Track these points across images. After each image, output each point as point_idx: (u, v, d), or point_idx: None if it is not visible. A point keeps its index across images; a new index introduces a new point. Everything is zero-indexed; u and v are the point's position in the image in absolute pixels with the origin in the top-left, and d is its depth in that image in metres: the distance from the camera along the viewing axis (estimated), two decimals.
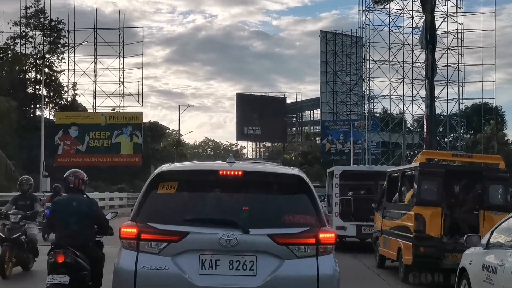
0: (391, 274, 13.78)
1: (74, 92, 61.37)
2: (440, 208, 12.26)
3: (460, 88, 63.59)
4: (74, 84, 60.87)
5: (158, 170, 6.17)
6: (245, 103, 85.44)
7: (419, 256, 12.07)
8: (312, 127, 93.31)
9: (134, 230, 5.67)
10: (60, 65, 60.59)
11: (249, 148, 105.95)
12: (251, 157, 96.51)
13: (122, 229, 5.77)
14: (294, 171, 6.30)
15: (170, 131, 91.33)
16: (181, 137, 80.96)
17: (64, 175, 8.31)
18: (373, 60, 64.29)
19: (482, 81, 64.41)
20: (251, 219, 5.76)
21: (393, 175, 15.15)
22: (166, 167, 6.27)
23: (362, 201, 19.29)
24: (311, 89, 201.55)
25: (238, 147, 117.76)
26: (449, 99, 63.54)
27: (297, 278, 5.59)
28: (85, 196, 8.13)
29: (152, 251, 5.61)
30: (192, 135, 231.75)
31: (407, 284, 12.38)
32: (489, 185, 12.66)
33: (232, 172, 5.92)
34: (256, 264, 5.59)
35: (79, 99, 62.11)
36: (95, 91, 61.08)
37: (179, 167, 6.50)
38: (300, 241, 5.65)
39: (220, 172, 5.94)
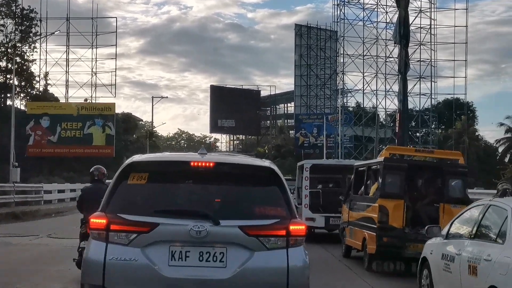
0: (356, 263, 14.30)
1: (46, 82, 60.65)
2: (403, 201, 12.88)
3: (433, 83, 64.24)
4: (46, 74, 60.13)
5: (128, 160, 6.12)
6: (219, 95, 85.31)
7: (382, 245, 12.68)
8: (286, 120, 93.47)
9: (104, 221, 5.63)
10: (32, 55, 59.79)
11: (222, 140, 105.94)
12: (225, 150, 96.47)
13: (91, 220, 5.72)
14: (266, 163, 6.30)
15: (143, 123, 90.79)
16: (154, 129, 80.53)
17: (91, 170, 11.81)
18: (347, 54, 64.61)
19: (454, 77, 65.03)
20: (222, 210, 5.75)
21: (359, 169, 15.82)
22: (136, 157, 6.22)
23: (330, 193, 19.79)
24: (285, 83, 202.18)
25: (212, 139, 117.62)
26: (422, 94, 64.15)
27: (267, 270, 5.60)
28: (105, 185, 10.30)
29: (121, 242, 5.57)
30: (165, 127, 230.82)
31: (371, 272, 12.91)
32: (449, 179, 13.24)
33: (203, 164, 5.90)
34: (226, 255, 5.58)
35: (51, 89, 61.43)
36: (67, 81, 60.43)
37: (150, 158, 6.46)
38: (270, 233, 5.66)
39: (191, 164, 5.92)
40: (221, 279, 5.51)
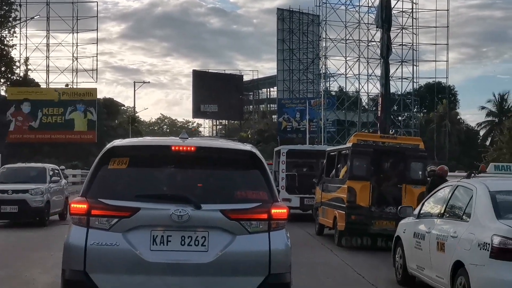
0: (328, 239, 15.69)
1: (27, 67, 59.97)
2: (369, 182, 14.36)
3: (415, 67, 64.39)
4: (27, 59, 59.48)
5: (109, 145, 6.08)
6: (201, 80, 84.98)
7: (351, 223, 14.11)
8: (268, 105, 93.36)
9: (84, 206, 5.60)
10: (12, 40, 59.02)
11: (205, 125, 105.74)
12: (208, 135, 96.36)
13: (72, 205, 5.68)
14: (247, 147, 6.29)
15: (125, 108, 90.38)
16: (136, 114, 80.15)
17: None
18: (329, 38, 64.55)
19: (435, 61, 65.35)
20: (203, 194, 5.74)
21: (331, 153, 17.16)
22: (117, 142, 6.18)
23: (305, 176, 21.01)
24: (268, 67, 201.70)
25: (195, 124, 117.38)
26: (404, 78, 64.31)
27: (249, 254, 5.60)
28: None
29: (102, 227, 5.55)
30: (148, 112, 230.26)
31: (340, 247, 14.26)
32: (410, 162, 14.60)
33: (184, 148, 5.88)
34: (208, 239, 5.57)
35: (32, 75, 60.80)
36: (48, 66, 59.88)
37: (131, 142, 6.43)
38: (252, 217, 5.66)
39: (173, 148, 5.90)
40: (203, 263, 5.51)
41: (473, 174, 9.67)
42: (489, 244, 7.09)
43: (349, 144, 15.42)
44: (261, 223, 5.67)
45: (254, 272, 5.59)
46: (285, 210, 5.82)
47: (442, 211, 8.92)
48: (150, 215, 5.55)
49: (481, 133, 74.91)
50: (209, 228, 5.58)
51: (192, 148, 5.89)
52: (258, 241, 5.63)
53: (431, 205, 9.64)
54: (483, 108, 73.91)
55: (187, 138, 6.14)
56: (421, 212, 9.69)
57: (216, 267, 5.51)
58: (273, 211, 5.70)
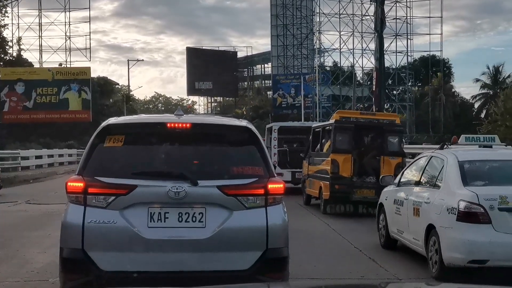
0: (315, 208, 17.13)
1: (19, 47, 59.70)
2: (351, 155, 15.71)
3: (409, 41, 64.19)
4: (19, 39, 59.19)
5: (104, 123, 6.07)
6: (195, 57, 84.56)
7: (334, 192, 15.46)
8: (263, 81, 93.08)
9: (81, 184, 5.60)
10: (4, 20, 58.66)
11: (200, 103, 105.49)
12: (203, 112, 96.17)
13: (69, 184, 5.68)
14: (243, 122, 6.28)
15: (119, 87, 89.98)
16: (131, 93, 79.82)
17: None
18: (323, 13, 64.18)
19: (430, 34, 65.23)
20: (200, 171, 5.74)
21: (316, 130, 18.43)
22: (112, 120, 6.17)
23: (296, 152, 21.89)
24: (262, 43, 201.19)
25: (189, 102, 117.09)
26: (398, 52, 64.12)
27: (246, 229, 5.62)
28: None
29: (99, 205, 5.56)
30: (142, 91, 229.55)
31: (326, 214, 15.64)
32: (387, 136, 15.85)
33: (180, 125, 5.87)
34: (206, 215, 5.59)
35: (25, 54, 60.51)
36: (41, 46, 59.58)
37: (126, 120, 6.43)
38: (249, 192, 5.67)
39: (168, 125, 5.89)
40: (200, 239, 5.53)
41: (446, 145, 10.19)
42: (456, 208, 8.02)
43: (332, 121, 16.67)
44: (258, 198, 5.68)
45: (251, 247, 5.62)
46: (281, 185, 5.83)
47: (418, 180, 9.82)
48: (147, 192, 5.55)
49: (476, 105, 74.92)
50: (206, 204, 5.60)
51: (188, 125, 5.88)
52: (255, 216, 5.64)
53: (409, 174, 10.54)
54: (477, 80, 73.83)
55: (182, 115, 6.13)
56: (401, 180, 10.60)
57: (214, 243, 5.53)
58: (269, 186, 5.71)
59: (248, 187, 5.67)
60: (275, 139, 22.52)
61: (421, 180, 9.76)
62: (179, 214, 5.57)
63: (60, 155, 44.70)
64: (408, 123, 64.68)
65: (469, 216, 7.90)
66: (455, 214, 8.03)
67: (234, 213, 5.61)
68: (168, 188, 5.49)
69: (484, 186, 8.31)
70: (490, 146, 10.13)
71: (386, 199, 10.95)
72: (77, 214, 5.58)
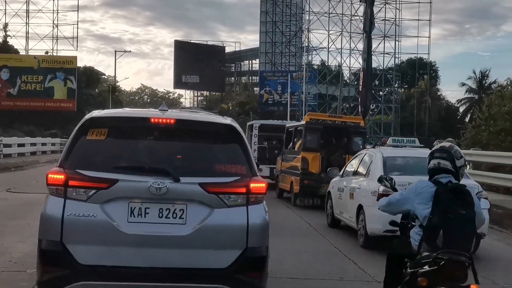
0: (286, 201, 18.78)
1: (6, 34, 59.23)
2: (319, 153, 17.40)
3: (397, 42, 64.50)
4: (6, 25, 58.74)
5: (87, 116, 6.02)
6: (183, 50, 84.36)
7: (304, 186, 17.09)
8: (250, 77, 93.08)
9: (62, 177, 5.55)
10: None
11: (186, 96, 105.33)
12: (189, 106, 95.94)
13: (49, 175, 5.62)
14: (227, 120, 6.26)
15: (106, 77, 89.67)
16: (117, 83, 79.52)
17: None
18: (313, 12, 64.34)
19: (418, 36, 65.54)
20: (182, 167, 5.71)
21: (289, 129, 20.00)
22: (96, 113, 6.12)
23: (274, 148, 22.94)
24: (251, 39, 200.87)
25: (176, 95, 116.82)
26: (386, 53, 64.45)
27: (226, 227, 5.60)
28: None
29: (80, 198, 5.51)
30: (129, 82, 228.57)
31: (295, 206, 17.26)
32: (352, 137, 17.62)
33: (164, 120, 5.83)
34: (186, 212, 5.56)
35: (11, 41, 60.06)
36: (27, 33, 59.20)
37: (110, 113, 6.36)
38: (230, 190, 5.64)
39: (152, 120, 5.85)
40: (180, 236, 5.50)
41: (377, 145, 13.43)
42: (376, 191, 10.30)
43: (303, 122, 18.43)
44: (240, 196, 5.66)
45: (231, 246, 5.60)
46: (263, 185, 5.82)
47: (355, 171, 12.51)
48: (128, 187, 5.51)
49: (461, 109, 75.40)
50: (187, 201, 5.57)
51: (172, 121, 5.85)
52: (236, 214, 5.62)
53: (350, 167, 13.14)
54: (463, 84, 74.32)
55: (167, 110, 6.10)
56: (344, 172, 13.29)
57: (194, 239, 5.51)
58: (251, 185, 5.69)
59: (230, 185, 5.65)
60: (255, 136, 23.69)
61: (357, 171, 12.38)
62: (159, 210, 5.54)
63: (43, 144, 44.41)
64: (393, 125, 64.98)
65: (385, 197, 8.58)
66: (375, 195, 10.29)
67: (215, 211, 5.59)
68: (150, 183, 5.46)
69: (398, 176, 10.18)
70: (405, 146, 13.14)
71: (332, 188, 13.52)
72: (56, 206, 5.52)
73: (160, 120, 5.83)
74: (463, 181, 5.69)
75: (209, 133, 6.04)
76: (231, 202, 5.63)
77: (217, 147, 6.02)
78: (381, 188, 9.93)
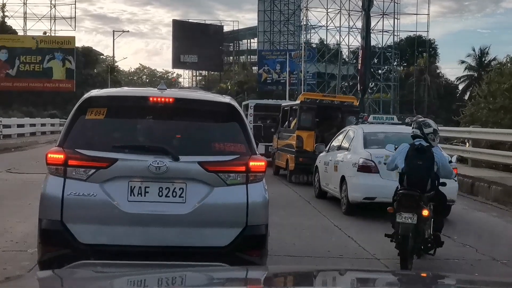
0: (283, 178, 19.20)
1: (3, 14, 58.88)
2: (313, 132, 17.92)
3: (396, 20, 64.21)
4: (3, 6, 58.40)
5: (86, 95, 6.01)
6: (181, 30, 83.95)
7: (299, 164, 17.55)
8: (249, 57, 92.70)
9: (61, 156, 5.56)
10: None
11: (185, 76, 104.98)
12: (187, 85, 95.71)
13: (49, 155, 5.63)
14: (226, 99, 6.25)
15: (104, 57, 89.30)
16: (115, 64, 79.26)
17: None
18: None
19: (417, 14, 65.22)
20: (181, 146, 5.72)
21: (285, 108, 20.58)
22: (94, 92, 6.11)
23: (269, 127, 23.63)
24: (249, 18, 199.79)
25: (174, 75, 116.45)
26: (384, 31, 64.18)
27: (226, 205, 5.62)
28: None
29: (79, 177, 5.52)
30: (127, 62, 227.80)
31: (291, 182, 17.85)
32: (346, 116, 18.05)
33: (162, 99, 5.83)
34: (186, 191, 5.58)
35: (9, 22, 59.69)
36: (25, 13, 58.86)
37: (108, 92, 6.35)
38: (230, 169, 5.66)
39: (151, 99, 5.85)
40: (180, 214, 5.53)
41: (359, 121, 14.31)
42: (357, 163, 11.70)
43: (298, 101, 19.00)
44: (239, 175, 5.67)
45: (231, 224, 5.63)
46: (263, 163, 5.82)
47: (339, 145, 13.56)
48: (127, 166, 5.53)
49: (460, 87, 75.18)
50: (187, 179, 5.58)
51: (170, 100, 5.84)
52: (236, 193, 5.64)
53: (335, 142, 14.16)
54: (462, 62, 74.03)
55: (165, 89, 6.09)
56: (330, 147, 14.28)
57: (194, 218, 5.53)
58: (251, 163, 5.70)
59: (230, 164, 5.66)
60: (251, 115, 24.30)
61: (341, 146, 13.45)
62: (159, 189, 5.56)
63: (43, 125, 44.37)
64: (392, 103, 64.89)
65: (364, 167, 11.62)
66: (356, 167, 11.70)
67: (215, 190, 5.60)
68: (149, 162, 5.47)
69: (376, 149, 11.75)
70: (382, 123, 14.45)
71: (319, 162, 14.59)
72: (56, 185, 5.54)
73: (159, 99, 5.82)
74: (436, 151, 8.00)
75: (208, 112, 6.03)
76: (231, 180, 5.65)
77: (216, 126, 6.03)
78: (361, 160, 11.64)
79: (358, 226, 11.02)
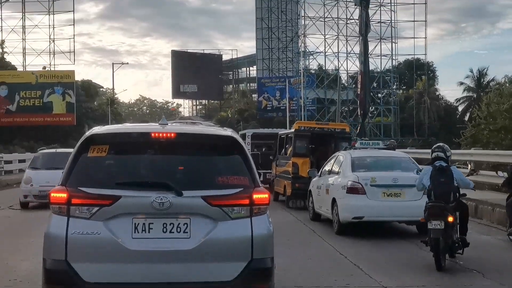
0: (281, 204, 19.84)
1: (3, 50, 59.16)
2: (308, 158, 18.81)
3: (393, 44, 64.52)
4: (2, 42, 58.67)
5: (88, 133, 6.01)
6: (180, 60, 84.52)
7: (295, 189, 18.35)
8: (248, 84, 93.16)
9: (64, 195, 5.54)
10: None
11: (185, 106, 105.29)
12: (188, 115, 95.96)
13: (52, 194, 5.62)
14: (228, 132, 6.26)
15: (104, 90, 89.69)
16: (115, 96, 79.51)
17: None
18: (308, 16, 64.44)
19: (414, 38, 65.40)
20: (184, 181, 5.70)
21: (282, 136, 21.44)
22: (96, 130, 6.11)
23: (266, 155, 24.17)
24: (248, 46, 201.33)
25: (174, 105, 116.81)
26: (383, 55, 64.46)
27: (231, 239, 5.58)
28: None
29: (83, 216, 5.50)
30: (127, 93, 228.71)
31: (289, 208, 18.49)
32: (338, 142, 19.08)
33: (164, 134, 5.83)
34: (190, 226, 5.55)
35: (8, 57, 59.91)
36: (24, 49, 59.19)
37: (110, 130, 6.34)
38: (233, 202, 5.63)
39: (152, 135, 5.84)
40: (185, 250, 5.49)
41: (347, 148, 15.73)
42: (345, 186, 12.78)
43: (292, 130, 19.89)
44: (243, 208, 5.64)
45: (236, 258, 5.59)
46: (266, 195, 5.80)
47: (330, 170, 14.56)
48: (131, 202, 5.50)
49: (460, 108, 75.38)
50: (191, 214, 5.56)
51: (172, 135, 5.84)
52: (240, 226, 5.61)
53: (326, 167, 15.14)
54: (461, 83, 74.31)
55: (167, 124, 6.09)
56: (321, 172, 15.27)
57: (199, 253, 5.49)
58: (254, 196, 5.68)
59: (233, 197, 5.64)
60: (248, 144, 25.25)
61: (332, 170, 14.41)
62: (163, 225, 5.53)
63: None
64: (393, 126, 64.96)
65: (353, 190, 12.64)
66: (345, 189, 12.76)
67: (219, 224, 5.57)
68: (153, 198, 5.45)
69: (363, 172, 12.98)
70: (366, 148, 15.24)
71: (312, 186, 15.54)
72: (60, 225, 5.51)
73: (160, 135, 5.82)
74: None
75: (210, 146, 6.03)
76: (235, 214, 5.62)
77: (218, 159, 6.01)
78: (350, 182, 12.72)
79: (348, 242, 12.15)
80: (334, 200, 13.20)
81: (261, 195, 5.74)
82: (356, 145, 15.98)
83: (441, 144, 10.51)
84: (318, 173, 15.49)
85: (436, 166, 9.68)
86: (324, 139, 19.78)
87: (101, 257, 5.47)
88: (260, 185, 5.88)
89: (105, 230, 5.46)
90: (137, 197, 5.51)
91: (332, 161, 14.87)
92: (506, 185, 13.29)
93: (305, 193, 17.19)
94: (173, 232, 5.53)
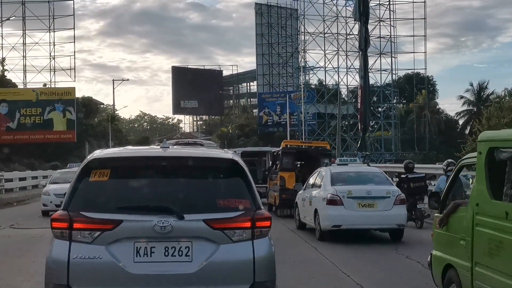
0: (272, 214, 19.69)
1: (3, 68, 59.26)
2: (294, 172, 21.60)
3: (393, 59, 64.76)
4: (3, 60, 58.82)
5: (89, 157, 6.01)
6: (181, 76, 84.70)
7: (282, 200, 20.81)
8: (249, 100, 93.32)
9: (66, 220, 5.54)
10: None
11: (186, 121, 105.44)
12: (188, 131, 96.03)
13: (54, 219, 5.62)
14: (229, 154, 6.25)
15: (104, 106, 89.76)
16: (116, 112, 79.60)
17: None
18: (308, 32, 64.76)
19: (414, 52, 65.59)
20: (186, 204, 5.69)
21: (274, 153, 24.34)
22: (97, 154, 6.11)
23: (253, 171, 25.24)
24: (248, 61, 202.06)
25: (175, 120, 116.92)
26: (383, 70, 64.68)
27: (233, 262, 5.57)
28: None
29: (85, 240, 5.49)
30: (128, 110, 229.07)
31: (277, 216, 20.52)
32: (320, 158, 21.07)
33: (165, 158, 5.84)
34: (192, 249, 5.54)
35: (8, 75, 60.03)
36: (25, 66, 59.29)
37: (111, 154, 6.34)
38: (235, 225, 5.62)
39: (154, 159, 5.87)
40: (187, 274, 5.48)
41: (327, 164, 17.39)
42: (326, 198, 14.42)
43: (280, 148, 23.00)
44: (245, 231, 5.64)
45: (239, 281, 5.57)
46: (268, 218, 5.80)
47: (313, 183, 16.22)
48: (132, 227, 5.50)
49: (460, 122, 75.46)
50: (192, 238, 5.55)
51: (173, 158, 5.86)
52: (242, 249, 5.60)
53: (309, 181, 16.83)
54: (461, 97, 74.42)
55: (168, 147, 6.10)
56: (306, 185, 17.01)
57: (201, 277, 5.49)
58: (256, 219, 5.68)
59: (235, 220, 5.63)
60: None
61: (314, 184, 16.11)
62: (165, 249, 5.52)
63: (45, 177, 44.27)
64: (393, 141, 64.98)
65: (332, 201, 14.26)
66: (325, 201, 14.41)
67: (221, 247, 5.57)
68: (154, 222, 5.45)
69: (341, 186, 14.63)
70: (346, 164, 17.29)
71: (298, 199, 17.20)
72: (62, 249, 5.50)
73: (162, 159, 5.84)
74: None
75: (211, 169, 6.03)
76: (237, 237, 5.62)
77: (220, 182, 6.01)
78: (329, 195, 14.39)
79: (327, 245, 14.06)
80: (316, 211, 14.88)
81: (262, 218, 5.73)
82: (335, 162, 17.99)
83: (451, 160, 14.63)
84: (303, 186, 17.31)
85: (449, 175, 10.91)
86: (308, 156, 22.84)
87: (103, 281, 5.46)
88: (262, 207, 5.88)
89: (107, 255, 5.45)
90: (139, 221, 5.51)
91: (315, 175, 16.64)
92: None
93: (291, 203, 18.91)
94: (175, 256, 5.52)
